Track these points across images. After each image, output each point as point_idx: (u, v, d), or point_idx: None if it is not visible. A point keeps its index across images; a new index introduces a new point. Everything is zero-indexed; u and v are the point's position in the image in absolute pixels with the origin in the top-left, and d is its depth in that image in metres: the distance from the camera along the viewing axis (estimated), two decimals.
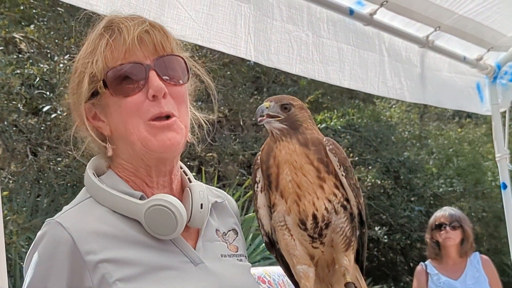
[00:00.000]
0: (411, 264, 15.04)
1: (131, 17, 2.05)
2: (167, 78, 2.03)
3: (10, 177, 10.29)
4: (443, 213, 6.44)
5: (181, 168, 2.22)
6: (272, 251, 2.47)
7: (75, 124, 2.12)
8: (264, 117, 2.29)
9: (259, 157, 2.34)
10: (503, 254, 14.48)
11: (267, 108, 2.30)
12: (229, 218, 2.31)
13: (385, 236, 14.24)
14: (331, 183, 2.28)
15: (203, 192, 2.11)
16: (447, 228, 6.29)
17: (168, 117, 2.00)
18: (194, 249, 2.07)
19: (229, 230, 2.25)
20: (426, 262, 6.45)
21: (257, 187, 2.35)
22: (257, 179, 2.35)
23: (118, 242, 1.95)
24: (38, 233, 1.96)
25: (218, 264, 2.10)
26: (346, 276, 2.34)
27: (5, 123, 9.54)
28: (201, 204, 2.07)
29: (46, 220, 1.98)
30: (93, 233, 1.93)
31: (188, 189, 2.11)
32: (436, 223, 6.38)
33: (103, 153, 2.12)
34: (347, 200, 2.31)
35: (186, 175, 2.21)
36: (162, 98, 2.00)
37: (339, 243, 2.33)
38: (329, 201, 2.27)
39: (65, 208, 2.03)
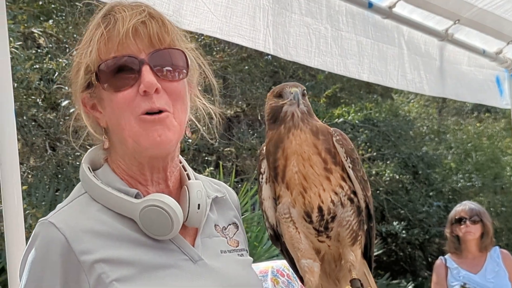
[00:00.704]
0: (430, 259, 15.02)
1: (132, 6, 1.98)
2: (162, 73, 1.95)
3: (30, 171, 10.34)
4: (463, 207, 6.44)
5: (180, 162, 2.16)
6: (277, 244, 2.46)
7: (75, 113, 2.07)
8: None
9: (264, 148, 2.33)
10: None
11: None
12: (229, 211, 2.26)
13: (404, 231, 14.23)
14: (338, 175, 2.26)
15: (201, 191, 2.05)
16: (467, 222, 6.29)
17: (160, 112, 1.93)
18: (193, 246, 2.03)
19: (229, 224, 2.21)
20: (445, 256, 6.44)
21: (262, 178, 2.34)
22: (262, 170, 2.34)
23: (114, 241, 1.90)
24: (32, 234, 1.92)
25: (218, 260, 2.06)
26: (352, 272, 2.33)
27: (24, 117, 9.57)
28: (198, 205, 2.01)
29: (39, 219, 1.93)
30: (88, 232, 1.88)
31: (186, 187, 2.05)
32: (456, 217, 6.38)
33: (101, 144, 2.07)
34: (354, 193, 2.30)
35: (186, 170, 2.15)
36: (154, 93, 1.93)
37: (345, 237, 2.32)
38: (335, 193, 2.26)
39: (59, 206, 1.98)
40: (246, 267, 2.17)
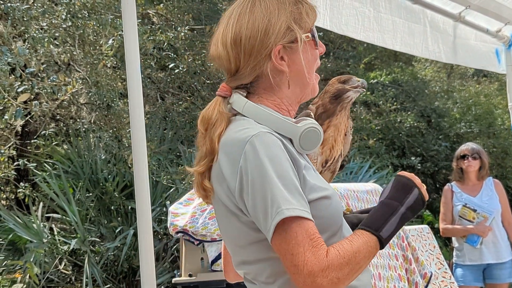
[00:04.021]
0: (437, 185, 14.93)
1: None
2: None
3: (145, 115, 10.45)
4: (466, 147, 6.40)
5: None
6: None
7: (257, 66, 1.93)
8: None
9: (311, 114, 2.36)
10: (507, 179, 14.37)
11: None
12: None
13: (419, 164, 14.12)
14: (344, 138, 2.46)
15: None
16: (469, 158, 6.25)
17: None
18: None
19: None
20: (451, 183, 6.41)
21: None
22: None
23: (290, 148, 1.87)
24: (255, 146, 1.77)
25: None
26: None
27: (142, 75, 9.64)
28: None
29: (253, 135, 1.79)
30: (281, 140, 1.83)
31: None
32: (461, 154, 6.33)
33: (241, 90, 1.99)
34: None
35: None
36: None
37: (330, 176, 2.53)
38: (341, 149, 2.45)
39: (246, 127, 1.85)
40: None
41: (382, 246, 1.78)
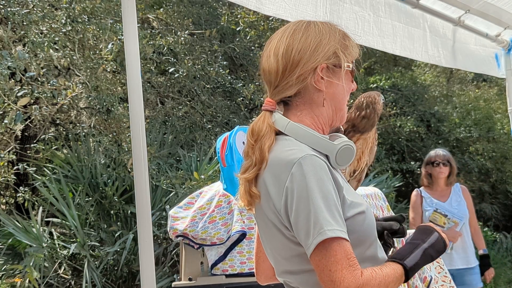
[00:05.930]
0: None
1: None
2: None
3: (145, 119, 10.45)
4: (437, 153, 6.56)
5: None
6: None
7: (301, 77, 2.04)
8: None
9: (342, 129, 2.60)
10: (507, 184, 14.38)
11: None
12: None
13: (418, 168, 14.11)
14: (370, 150, 2.74)
15: None
16: (440, 164, 6.38)
17: None
18: None
19: None
20: (420, 189, 6.52)
21: None
22: None
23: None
24: (302, 168, 1.89)
25: None
26: None
27: (142, 80, 9.62)
28: None
29: (300, 158, 1.90)
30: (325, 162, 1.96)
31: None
32: (431, 160, 6.48)
33: (298, 109, 2.09)
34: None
35: None
36: None
37: (356, 184, 2.78)
38: (366, 160, 2.71)
39: (289, 148, 1.98)
40: None
41: (407, 275, 1.93)
